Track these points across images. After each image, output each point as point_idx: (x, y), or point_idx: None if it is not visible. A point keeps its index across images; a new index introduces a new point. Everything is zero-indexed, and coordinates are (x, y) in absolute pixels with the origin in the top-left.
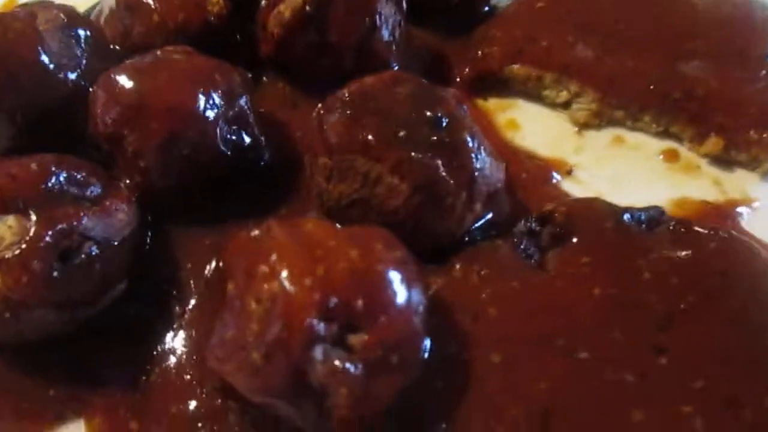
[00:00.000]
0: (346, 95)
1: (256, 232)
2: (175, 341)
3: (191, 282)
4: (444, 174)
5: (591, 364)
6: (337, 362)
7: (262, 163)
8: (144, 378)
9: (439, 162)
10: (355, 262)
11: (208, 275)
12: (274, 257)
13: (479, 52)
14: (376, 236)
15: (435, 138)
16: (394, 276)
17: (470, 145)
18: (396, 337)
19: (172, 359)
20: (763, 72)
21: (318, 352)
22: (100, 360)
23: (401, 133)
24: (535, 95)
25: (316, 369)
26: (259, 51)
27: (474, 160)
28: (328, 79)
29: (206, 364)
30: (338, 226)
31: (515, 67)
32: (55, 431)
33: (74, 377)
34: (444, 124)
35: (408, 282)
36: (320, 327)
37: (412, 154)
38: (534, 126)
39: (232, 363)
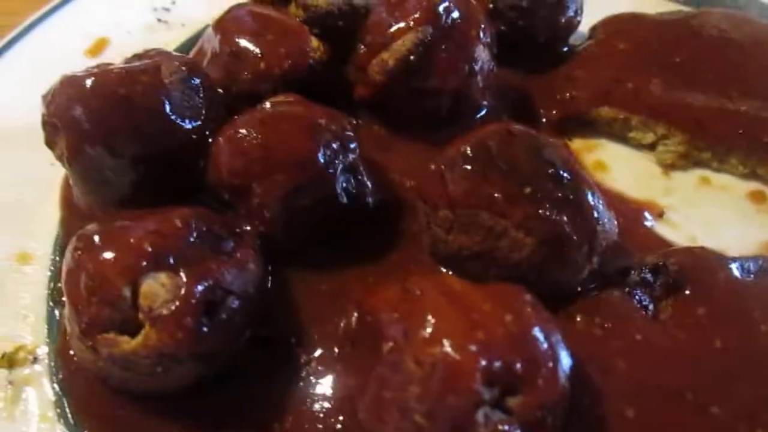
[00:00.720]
0: (468, 150)
1: (405, 290)
2: (305, 388)
3: (311, 329)
4: (569, 230)
5: (724, 419)
6: (499, 426)
7: (369, 208)
8: (277, 425)
9: (565, 218)
10: (511, 326)
11: (350, 329)
12: (432, 320)
13: (567, 95)
14: (522, 299)
15: (560, 194)
16: (547, 338)
17: (591, 200)
18: (552, 398)
19: (305, 407)
20: None
21: (480, 415)
22: (233, 407)
23: (527, 190)
24: (620, 136)
25: (479, 431)
26: (355, 94)
27: (595, 214)
28: (422, 122)
29: (359, 418)
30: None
31: (603, 109)
32: None
33: (209, 424)
34: (566, 180)
35: (558, 343)
36: (484, 391)
37: (539, 210)
38: (622, 167)
39: (392, 422)
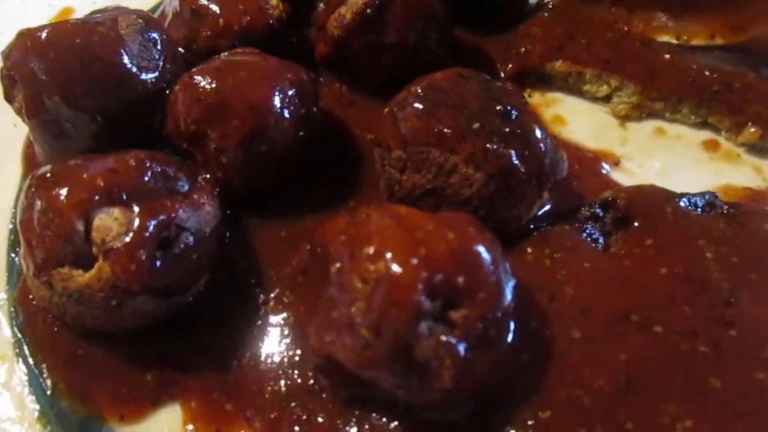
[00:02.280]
0: (419, 90)
1: (353, 218)
2: (263, 326)
3: (270, 271)
4: (517, 163)
5: (667, 337)
6: (441, 337)
7: (326, 159)
8: (235, 362)
9: (512, 152)
10: (453, 243)
11: (303, 261)
12: (377, 239)
13: (522, 49)
14: (467, 221)
15: (507, 129)
16: (488, 255)
17: (538, 135)
18: (493, 311)
19: (262, 343)
20: None
21: (423, 327)
22: (192, 347)
23: (475, 126)
24: (576, 90)
25: (422, 343)
26: (315, 51)
27: (543, 149)
28: (381, 77)
29: (309, 343)
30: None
31: (558, 63)
32: (153, 415)
33: (168, 364)
34: (514, 116)
35: (500, 261)
36: (426, 303)
37: (487, 145)
38: (579, 120)
39: (340, 340)
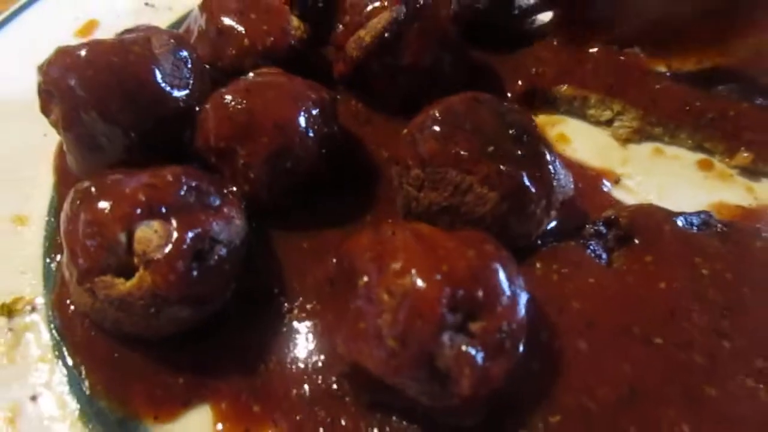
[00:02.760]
0: (437, 114)
1: (379, 234)
2: (288, 333)
3: (294, 281)
4: (528, 184)
5: (666, 348)
6: (462, 347)
7: (345, 175)
8: (263, 366)
9: (524, 174)
10: (473, 260)
11: (330, 274)
12: (402, 255)
13: (532, 70)
14: (484, 239)
15: (520, 152)
16: (505, 271)
17: (548, 158)
18: (509, 323)
19: (287, 349)
20: None
21: (446, 338)
22: (221, 352)
23: (490, 149)
24: (580, 113)
25: (444, 353)
26: (334, 70)
27: (552, 171)
28: (398, 97)
29: (337, 351)
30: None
31: (564, 87)
32: (184, 415)
33: (199, 368)
34: (525, 139)
35: (515, 277)
36: (449, 316)
37: (501, 167)
38: (582, 139)
39: (368, 349)
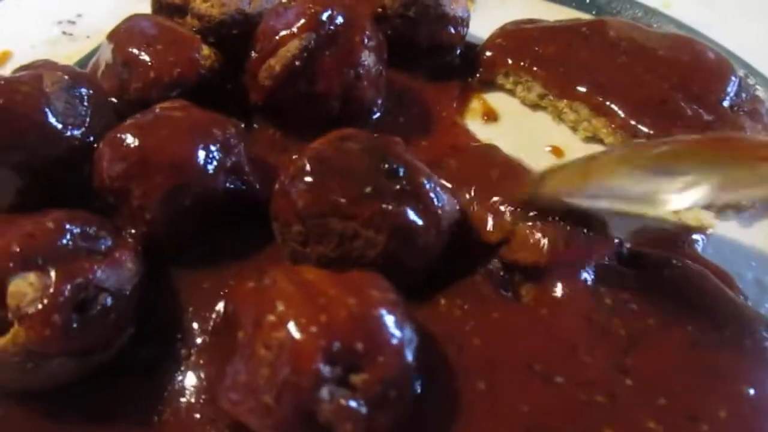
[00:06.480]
0: (306, 164)
1: (260, 282)
2: (184, 382)
3: (194, 324)
4: (413, 218)
5: (566, 387)
6: (342, 401)
7: (256, 205)
8: (156, 418)
9: (407, 208)
10: (353, 308)
11: (216, 322)
12: (280, 307)
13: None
14: (370, 282)
15: (398, 187)
16: (388, 319)
17: (427, 186)
18: (393, 373)
19: (182, 399)
20: (716, 116)
21: (324, 392)
22: (112, 402)
23: (367, 189)
24: None
25: (323, 408)
26: (249, 99)
27: (434, 198)
28: (314, 125)
29: (219, 405)
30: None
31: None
32: None
33: (88, 420)
34: (401, 172)
35: (400, 323)
36: (326, 370)
37: (382, 206)
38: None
39: (245, 405)
